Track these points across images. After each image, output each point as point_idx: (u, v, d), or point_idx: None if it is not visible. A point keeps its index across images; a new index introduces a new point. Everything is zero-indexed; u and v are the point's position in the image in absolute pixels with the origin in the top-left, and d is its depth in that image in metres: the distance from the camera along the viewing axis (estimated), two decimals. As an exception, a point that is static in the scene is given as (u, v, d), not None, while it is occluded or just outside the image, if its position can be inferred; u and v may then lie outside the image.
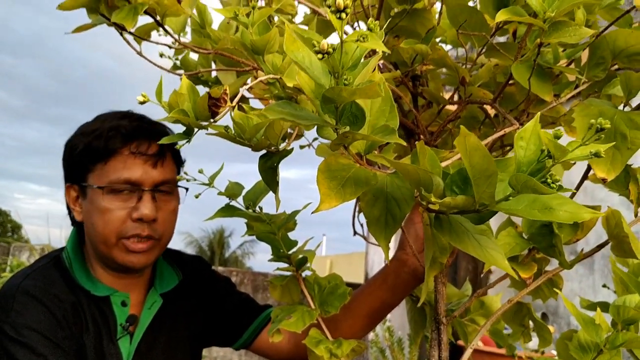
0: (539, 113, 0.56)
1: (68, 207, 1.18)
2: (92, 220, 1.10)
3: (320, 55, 0.47)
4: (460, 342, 1.14)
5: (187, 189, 1.18)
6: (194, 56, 1.17)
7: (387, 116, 0.62)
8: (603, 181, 0.64)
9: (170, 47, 0.99)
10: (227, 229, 22.62)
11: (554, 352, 0.98)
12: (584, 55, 0.83)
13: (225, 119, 0.73)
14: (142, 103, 0.69)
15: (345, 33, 0.50)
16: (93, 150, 1.09)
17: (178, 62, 1.17)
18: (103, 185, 1.08)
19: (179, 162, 1.18)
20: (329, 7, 0.47)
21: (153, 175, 1.10)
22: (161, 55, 1.05)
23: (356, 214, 1.16)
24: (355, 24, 1.00)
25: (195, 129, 0.72)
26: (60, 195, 1.17)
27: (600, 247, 0.78)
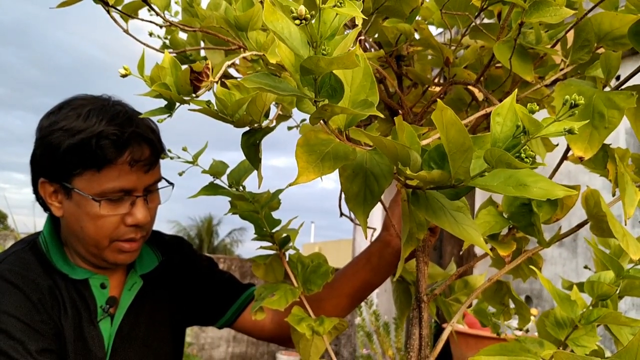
0: (516, 90, 0.56)
1: (40, 198, 1.14)
2: (81, 223, 1.08)
3: (297, 22, 0.47)
4: (446, 325, 1.15)
5: (173, 185, 1.16)
6: (183, 36, 1.17)
7: (368, 92, 0.62)
8: (580, 160, 0.65)
9: (161, 26, 0.98)
10: (216, 218, 22.48)
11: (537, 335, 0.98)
12: (570, 37, 0.83)
13: (208, 96, 0.73)
14: (123, 76, 0.69)
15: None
16: (83, 155, 1.04)
17: (167, 42, 1.17)
18: (97, 195, 1.05)
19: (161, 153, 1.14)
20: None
21: (145, 180, 1.09)
22: (151, 34, 1.05)
23: (343, 196, 1.17)
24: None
25: (177, 104, 0.72)
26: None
27: (580, 226, 0.79)
